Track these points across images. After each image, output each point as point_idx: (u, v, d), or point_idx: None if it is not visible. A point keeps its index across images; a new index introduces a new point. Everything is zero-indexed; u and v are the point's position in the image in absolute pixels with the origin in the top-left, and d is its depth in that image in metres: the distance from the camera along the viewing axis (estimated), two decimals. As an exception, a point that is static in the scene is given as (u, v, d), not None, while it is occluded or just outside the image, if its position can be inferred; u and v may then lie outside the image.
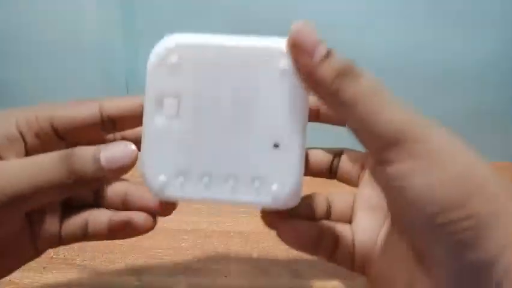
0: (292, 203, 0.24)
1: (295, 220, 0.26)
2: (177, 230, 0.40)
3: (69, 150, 0.23)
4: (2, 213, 0.23)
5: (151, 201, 0.26)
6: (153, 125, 0.24)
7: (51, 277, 0.35)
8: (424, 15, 0.56)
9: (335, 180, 0.30)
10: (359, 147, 0.29)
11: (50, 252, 0.36)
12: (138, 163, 0.23)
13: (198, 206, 0.44)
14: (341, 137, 0.30)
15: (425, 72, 0.55)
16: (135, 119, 0.25)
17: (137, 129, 0.27)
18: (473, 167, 0.20)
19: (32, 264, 0.32)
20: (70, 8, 0.59)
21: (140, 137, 0.24)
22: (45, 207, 0.26)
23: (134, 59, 0.60)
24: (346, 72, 0.20)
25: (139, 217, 0.26)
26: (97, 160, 0.22)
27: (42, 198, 0.23)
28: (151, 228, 0.27)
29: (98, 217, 0.27)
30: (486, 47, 0.57)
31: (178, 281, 0.35)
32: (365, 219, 0.27)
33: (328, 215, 0.28)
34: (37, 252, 0.27)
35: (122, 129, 0.27)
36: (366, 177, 0.28)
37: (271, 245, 0.39)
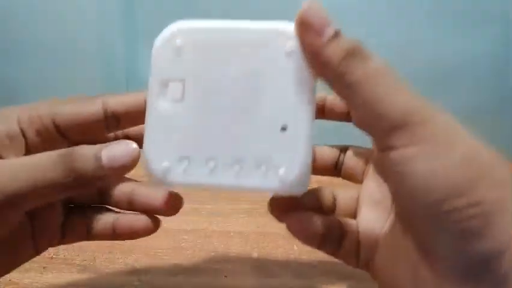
0: (301, 188, 0.23)
1: (305, 212, 0.26)
2: (177, 230, 0.40)
3: (70, 149, 0.22)
4: (0, 213, 0.22)
5: (157, 201, 0.26)
6: (157, 109, 0.23)
7: (51, 277, 0.35)
8: (423, 14, 0.56)
9: (340, 180, 0.29)
10: (364, 145, 0.29)
11: (50, 252, 0.36)
12: (140, 162, 0.23)
13: (198, 206, 0.44)
14: (344, 135, 0.30)
15: (424, 72, 0.54)
16: (139, 115, 0.25)
17: (141, 126, 0.26)
18: (477, 152, 0.19)
19: (32, 264, 0.32)
20: (69, 8, 0.59)
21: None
22: (48, 205, 0.26)
23: (134, 58, 0.60)
24: (354, 53, 0.20)
25: (142, 220, 0.26)
26: (98, 159, 0.22)
27: (42, 197, 0.23)
28: (154, 231, 0.27)
29: (102, 218, 0.27)
30: (485, 47, 0.57)
31: (178, 281, 0.35)
32: (369, 214, 0.26)
33: (333, 210, 0.28)
34: (37, 251, 0.27)
35: (126, 127, 0.27)
36: (371, 173, 0.27)
37: (271, 245, 0.39)
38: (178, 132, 0.23)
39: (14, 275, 0.34)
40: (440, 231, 0.19)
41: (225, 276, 0.35)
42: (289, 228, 0.25)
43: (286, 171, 0.22)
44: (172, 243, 0.39)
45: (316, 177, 0.27)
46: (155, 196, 0.26)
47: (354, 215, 0.27)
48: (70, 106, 0.26)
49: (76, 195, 0.28)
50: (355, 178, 0.29)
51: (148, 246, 0.38)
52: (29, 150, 0.25)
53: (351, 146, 0.29)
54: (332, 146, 0.29)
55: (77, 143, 0.25)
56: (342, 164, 0.29)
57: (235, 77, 0.23)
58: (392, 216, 0.25)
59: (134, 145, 0.23)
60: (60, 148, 0.23)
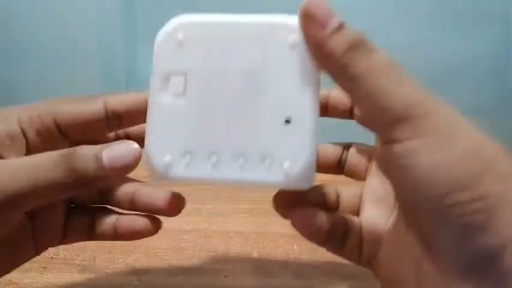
0: (306, 182, 0.23)
1: (310, 208, 0.26)
2: (177, 230, 0.40)
3: (70, 149, 0.22)
4: (1, 213, 0.22)
5: (160, 201, 0.26)
6: (159, 103, 0.23)
7: (51, 277, 0.35)
8: (423, 14, 0.56)
9: (343, 178, 0.29)
10: (367, 143, 0.29)
11: (50, 252, 0.36)
12: (142, 162, 0.23)
13: (198, 206, 0.44)
14: (347, 133, 0.30)
15: (423, 71, 0.54)
16: (141, 114, 0.25)
17: (142, 126, 0.26)
18: (481, 145, 0.19)
19: (32, 264, 0.32)
20: (69, 8, 0.59)
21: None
22: (49, 205, 0.26)
23: (135, 58, 0.60)
24: (358, 45, 0.20)
25: (144, 221, 0.26)
26: (98, 159, 0.22)
27: (43, 197, 0.23)
28: (155, 232, 0.26)
29: (104, 218, 0.27)
30: (485, 47, 0.57)
31: (178, 281, 0.35)
32: (372, 211, 0.26)
33: (337, 207, 0.27)
34: (37, 251, 0.27)
35: (128, 126, 0.27)
36: (374, 170, 0.27)
37: (271, 245, 0.39)
38: (180, 127, 0.23)
39: (14, 275, 0.34)
40: (443, 225, 0.19)
41: (225, 276, 0.35)
42: (294, 224, 0.25)
43: (291, 165, 0.22)
44: (172, 243, 0.39)
45: (319, 175, 0.26)
46: (158, 196, 0.26)
47: (357, 212, 0.27)
48: (70, 105, 0.26)
49: (77, 195, 0.28)
50: (358, 175, 0.29)
51: (148, 246, 0.38)
52: (29, 150, 0.25)
53: (354, 143, 0.29)
54: (335, 144, 0.29)
55: (78, 143, 0.25)
56: (345, 161, 0.29)
57: (238, 70, 0.23)
58: (395, 213, 0.25)
59: (136, 145, 0.22)
60: (61, 148, 0.23)
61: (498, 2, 0.55)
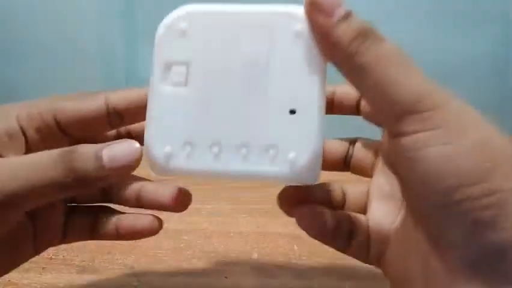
0: (311, 176, 0.22)
1: (315, 206, 0.25)
2: (177, 230, 0.40)
3: (70, 148, 0.22)
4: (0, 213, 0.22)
5: (166, 197, 0.26)
6: (160, 93, 0.23)
7: (50, 277, 0.35)
8: (423, 14, 0.56)
9: (349, 176, 0.29)
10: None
11: (50, 252, 0.36)
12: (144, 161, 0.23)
13: (198, 206, 0.44)
14: (351, 128, 0.30)
15: (424, 71, 0.54)
16: (143, 111, 0.24)
17: (144, 123, 0.26)
18: (491, 139, 0.19)
19: (31, 264, 0.32)
20: (69, 8, 0.59)
21: None
22: (49, 205, 0.25)
23: (134, 58, 0.60)
24: (366, 34, 0.19)
25: (145, 220, 0.26)
26: (98, 158, 0.21)
27: (42, 197, 0.22)
28: (157, 231, 0.26)
29: (105, 218, 0.26)
30: (485, 47, 0.57)
31: (178, 281, 0.35)
32: (379, 209, 0.26)
33: (343, 204, 0.27)
34: (36, 251, 0.26)
35: (130, 123, 0.27)
36: (380, 167, 0.27)
37: (271, 245, 0.39)
38: (181, 117, 0.22)
39: (13, 276, 0.34)
40: (452, 220, 0.19)
41: (225, 277, 0.35)
42: (299, 222, 0.25)
43: (297, 156, 0.21)
44: (172, 244, 0.39)
45: (324, 174, 0.26)
46: (164, 192, 0.26)
47: (363, 210, 0.27)
48: (71, 102, 0.25)
49: (78, 195, 0.28)
50: (364, 170, 0.28)
51: (147, 247, 0.38)
52: (29, 148, 0.25)
53: (360, 138, 0.28)
54: (341, 139, 0.29)
55: (78, 141, 0.25)
56: (351, 156, 0.28)
57: (242, 60, 0.22)
58: (403, 211, 0.25)
59: (137, 144, 0.22)
60: (62, 146, 0.23)
61: (498, 2, 0.55)
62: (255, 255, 0.38)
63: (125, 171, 0.22)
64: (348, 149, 0.28)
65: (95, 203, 0.28)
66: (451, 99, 0.19)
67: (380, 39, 0.19)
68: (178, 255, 0.38)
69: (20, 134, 0.25)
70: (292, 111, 0.22)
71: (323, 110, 0.22)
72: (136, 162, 0.22)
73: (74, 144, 0.23)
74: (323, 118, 0.22)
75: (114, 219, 0.26)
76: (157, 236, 0.27)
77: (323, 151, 0.22)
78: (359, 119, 0.28)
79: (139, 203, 0.27)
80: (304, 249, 0.38)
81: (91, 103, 0.25)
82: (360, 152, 0.28)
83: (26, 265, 0.27)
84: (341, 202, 0.27)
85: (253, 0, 0.23)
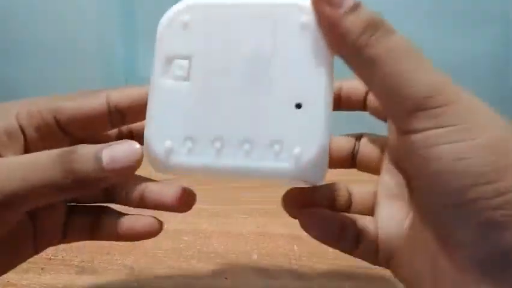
0: (317, 173, 0.21)
1: (319, 208, 0.25)
2: (177, 230, 0.40)
3: (69, 148, 0.22)
4: None
5: (170, 198, 0.25)
6: (161, 87, 0.22)
7: (49, 278, 0.35)
8: (423, 14, 0.56)
9: (354, 177, 0.29)
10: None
11: (49, 253, 0.36)
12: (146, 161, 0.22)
13: (198, 206, 0.44)
14: (356, 125, 0.29)
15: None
16: (145, 109, 0.24)
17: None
18: (506, 136, 0.18)
19: (31, 265, 0.32)
20: (69, 8, 0.59)
21: None
22: (50, 205, 0.25)
23: (134, 59, 0.60)
24: (376, 26, 0.19)
25: (145, 222, 0.26)
26: (98, 159, 0.21)
27: (40, 198, 0.22)
28: (157, 233, 0.26)
29: (105, 219, 0.26)
30: (485, 47, 0.57)
31: (177, 282, 0.35)
32: (388, 211, 0.25)
33: (349, 206, 0.27)
34: (36, 251, 0.26)
35: (131, 122, 0.26)
36: (387, 166, 0.26)
37: (271, 245, 0.39)
38: (182, 111, 0.22)
39: (12, 276, 0.34)
40: (463, 219, 0.18)
41: (225, 278, 0.35)
42: (303, 225, 0.25)
43: (302, 151, 0.21)
44: (172, 244, 0.39)
45: (329, 173, 0.25)
46: (168, 193, 0.25)
47: (371, 211, 0.26)
48: (71, 101, 0.25)
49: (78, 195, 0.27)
50: (371, 167, 0.27)
51: (147, 247, 0.38)
52: (28, 147, 0.25)
53: (366, 133, 0.28)
54: (347, 135, 0.28)
55: (80, 140, 0.25)
56: (357, 152, 0.27)
57: (246, 53, 0.22)
58: (411, 212, 0.24)
59: (137, 145, 0.22)
60: (62, 145, 0.22)
61: (498, 2, 0.55)
62: (254, 256, 0.38)
63: (126, 173, 0.22)
64: (355, 145, 0.27)
65: (96, 202, 0.27)
66: (463, 94, 0.19)
67: (391, 31, 0.19)
68: (177, 256, 0.38)
69: (19, 132, 0.24)
70: (298, 106, 0.21)
71: (331, 104, 0.21)
72: (136, 164, 0.22)
73: (75, 144, 0.22)
74: (330, 113, 0.21)
75: (114, 220, 0.26)
76: (156, 236, 0.27)
77: (329, 149, 0.22)
78: (362, 114, 0.27)
79: (143, 203, 0.26)
80: (304, 249, 0.38)
81: (92, 101, 0.25)
82: (366, 148, 0.27)
83: (25, 265, 0.26)
84: (347, 203, 0.27)
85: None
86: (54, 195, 0.22)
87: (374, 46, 0.19)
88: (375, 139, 0.27)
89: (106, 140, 0.27)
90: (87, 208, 0.27)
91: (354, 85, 0.27)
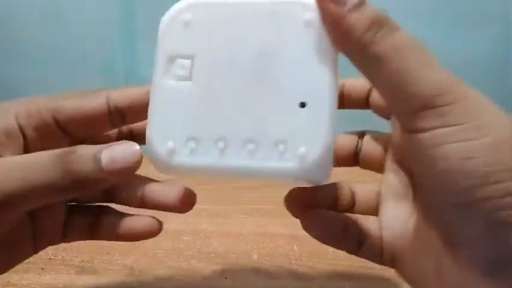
0: (322, 173, 0.21)
1: (321, 210, 0.25)
2: (177, 230, 0.40)
3: (68, 149, 0.21)
4: None
5: (171, 199, 0.25)
6: (163, 87, 0.22)
7: (49, 278, 0.35)
8: (424, 14, 0.56)
9: (357, 173, 0.28)
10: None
11: (49, 253, 0.36)
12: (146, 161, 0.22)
13: (198, 206, 0.44)
14: (358, 123, 0.29)
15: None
16: (145, 109, 0.24)
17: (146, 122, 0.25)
18: None
19: (31, 265, 0.32)
20: (69, 8, 0.59)
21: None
22: (50, 205, 0.25)
23: (134, 59, 0.60)
24: (381, 23, 0.18)
25: (145, 222, 0.25)
26: (97, 160, 0.21)
27: (38, 199, 0.22)
28: (157, 233, 0.26)
29: (105, 219, 0.26)
30: (485, 47, 0.57)
31: (177, 282, 0.35)
32: (392, 210, 0.25)
33: (352, 205, 0.26)
34: (35, 250, 0.26)
35: (132, 122, 0.26)
36: (390, 165, 0.26)
37: (271, 245, 0.39)
38: (185, 111, 0.22)
39: (12, 276, 0.34)
40: (469, 219, 0.18)
41: (225, 278, 0.35)
42: (305, 227, 0.25)
43: (307, 151, 0.20)
44: (171, 244, 0.39)
45: (333, 172, 0.25)
46: (170, 193, 0.25)
47: (374, 211, 0.26)
48: (71, 100, 0.24)
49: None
50: (374, 165, 0.27)
51: (147, 247, 0.38)
52: (27, 147, 0.24)
53: (368, 130, 0.28)
54: (349, 133, 0.28)
55: (79, 140, 0.24)
56: (360, 149, 0.27)
57: (249, 51, 0.21)
58: (417, 210, 0.24)
59: (137, 147, 0.22)
60: (62, 145, 0.22)
61: (498, 2, 0.55)
62: (254, 256, 0.38)
63: (125, 174, 0.22)
64: (357, 142, 0.27)
65: (97, 202, 0.27)
66: (471, 92, 0.19)
67: (396, 28, 0.19)
68: (177, 256, 0.38)
69: (18, 132, 0.24)
70: (303, 104, 0.21)
71: (335, 102, 0.21)
72: (136, 165, 0.22)
73: (74, 144, 0.22)
74: (335, 111, 0.21)
75: (114, 220, 0.26)
76: (156, 236, 0.27)
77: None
78: (363, 113, 0.27)
79: (143, 203, 0.26)
80: (304, 249, 0.38)
81: (92, 101, 0.25)
82: (369, 146, 0.27)
83: (25, 266, 0.26)
84: (350, 203, 0.26)
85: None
86: (53, 196, 0.22)
87: (379, 43, 0.18)
88: (378, 136, 0.27)
89: (106, 140, 0.27)
90: (87, 208, 0.27)
91: (356, 83, 0.27)
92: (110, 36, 0.60)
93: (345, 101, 0.27)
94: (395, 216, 0.25)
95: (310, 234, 0.25)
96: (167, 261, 0.37)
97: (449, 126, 0.18)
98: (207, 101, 0.22)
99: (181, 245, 0.39)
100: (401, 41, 0.19)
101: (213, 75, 0.22)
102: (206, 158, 0.21)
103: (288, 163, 0.21)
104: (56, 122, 0.24)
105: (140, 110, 0.24)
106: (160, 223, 0.26)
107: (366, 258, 0.25)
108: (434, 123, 0.18)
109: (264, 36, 0.21)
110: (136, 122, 0.26)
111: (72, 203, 0.27)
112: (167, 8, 0.23)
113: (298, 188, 0.26)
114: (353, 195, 0.27)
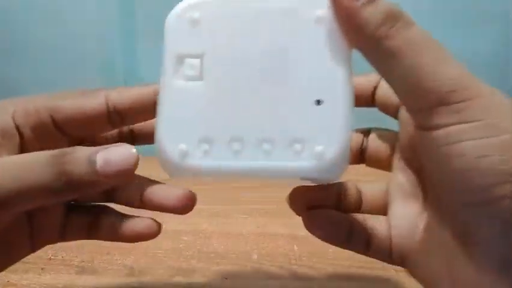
0: (337, 171, 0.21)
1: (324, 209, 0.25)
2: (177, 230, 0.40)
3: (63, 150, 0.21)
4: None
5: (170, 199, 0.25)
6: (173, 88, 0.21)
7: (49, 278, 0.35)
8: (424, 14, 0.56)
9: (363, 172, 0.28)
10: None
11: (49, 253, 0.36)
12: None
13: (198, 206, 0.44)
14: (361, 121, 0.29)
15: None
16: (145, 110, 0.24)
17: (148, 122, 0.25)
18: None
19: (31, 265, 0.32)
20: (69, 8, 0.59)
21: (151, 131, 0.22)
22: (48, 206, 0.25)
23: (133, 59, 0.60)
24: (396, 17, 0.18)
25: (144, 224, 0.25)
26: (92, 162, 0.20)
27: (33, 200, 0.21)
28: (155, 235, 0.25)
29: (104, 220, 0.26)
30: (486, 47, 0.57)
31: (177, 282, 0.35)
32: (401, 210, 0.25)
33: (359, 205, 0.26)
34: (33, 250, 0.26)
35: (131, 123, 0.26)
36: (398, 163, 0.26)
37: (271, 245, 0.39)
38: (196, 112, 0.21)
39: (12, 276, 0.34)
40: (486, 218, 0.18)
41: (226, 278, 0.35)
42: (307, 226, 0.25)
43: (325, 149, 0.20)
44: (171, 244, 0.39)
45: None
46: (170, 194, 0.25)
47: (382, 211, 0.26)
48: (69, 100, 0.24)
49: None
50: (380, 162, 0.27)
51: (147, 247, 0.38)
52: (25, 146, 0.24)
53: (373, 128, 0.27)
54: (356, 131, 0.27)
55: (78, 140, 0.24)
56: (365, 147, 0.27)
57: (261, 49, 0.21)
58: (426, 212, 0.23)
59: (133, 149, 0.21)
60: (60, 146, 0.22)
61: (498, 2, 0.55)
62: (254, 256, 0.38)
63: (120, 178, 0.21)
64: (363, 140, 0.27)
65: (96, 202, 0.27)
66: (487, 89, 0.18)
67: (411, 23, 0.18)
68: (177, 256, 0.38)
69: (15, 131, 0.24)
70: (318, 102, 0.21)
71: (351, 99, 0.21)
72: (131, 169, 0.21)
73: (73, 145, 0.22)
74: (351, 108, 0.21)
75: (113, 221, 0.26)
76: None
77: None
78: (369, 110, 0.27)
79: (143, 204, 0.26)
80: (304, 249, 0.38)
81: (91, 101, 0.24)
82: (375, 143, 0.27)
83: (25, 266, 0.26)
84: (356, 202, 0.26)
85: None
86: (49, 198, 0.21)
87: (394, 37, 0.18)
88: (384, 134, 0.27)
89: (106, 140, 0.27)
90: (86, 207, 0.27)
91: (361, 81, 0.26)
92: (110, 36, 0.60)
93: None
94: (403, 215, 0.24)
95: (314, 233, 0.25)
96: (167, 261, 0.37)
97: (465, 123, 0.18)
98: (219, 101, 0.21)
99: (181, 245, 0.39)
100: (416, 35, 0.18)
101: (224, 75, 0.21)
102: (220, 160, 0.21)
103: (304, 162, 0.20)
104: (54, 121, 0.24)
105: (140, 111, 0.24)
106: (159, 225, 0.26)
107: (375, 258, 0.25)
108: (450, 120, 0.18)
109: (275, 33, 0.21)
110: (136, 123, 0.26)
111: (71, 203, 0.27)
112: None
113: (303, 186, 0.26)
114: (359, 194, 0.26)
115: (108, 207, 0.27)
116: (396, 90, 0.20)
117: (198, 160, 0.21)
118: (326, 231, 0.25)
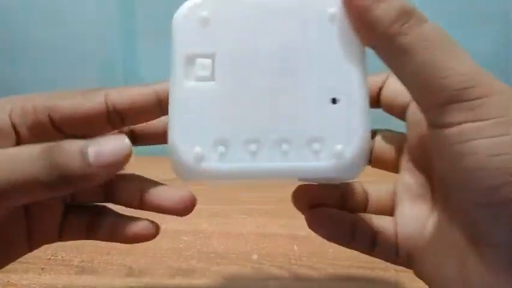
0: (355, 171, 0.21)
1: (327, 208, 0.25)
2: (177, 230, 0.40)
3: (54, 143, 0.20)
4: None
5: (169, 200, 0.25)
6: (183, 89, 0.21)
7: (49, 278, 0.35)
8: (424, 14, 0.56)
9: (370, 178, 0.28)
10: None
11: (48, 253, 0.36)
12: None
13: (198, 206, 0.44)
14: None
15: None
16: (146, 111, 0.23)
17: (149, 122, 0.25)
18: None
19: (30, 265, 0.32)
20: (69, 8, 0.59)
21: (152, 132, 0.22)
22: (46, 204, 0.24)
23: (133, 59, 0.60)
24: (409, 14, 0.18)
25: (142, 226, 0.25)
26: (84, 155, 0.20)
27: (25, 194, 0.20)
28: (153, 237, 0.25)
29: (102, 220, 0.26)
30: (485, 46, 0.56)
31: (177, 283, 0.35)
32: (409, 211, 0.24)
33: (365, 205, 0.26)
34: (30, 249, 0.25)
35: (131, 123, 0.25)
36: (405, 164, 0.25)
37: (271, 245, 0.39)
38: (210, 114, 0.21)
39: (12, 276, 0.34)
40: (499, 219, 0.18)
41: (226, 278, 0.35)
42: (309, 224, 0.24)
43: (344, 148, 0.20)
44: (171, 244, 0.39)
45: None
46: (169, 196, 0.25)
47: (388, 211, 0.26)
48: (68, 99, 0.24)
49: (77, 193, 0.27)
50: (386, 164, 0.27)
51: (146, 248, 0.38)
52: (20, 145, 0.23)
53: (379, 129, 0.27)
54: None
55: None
56: (372, 149, 0.27)
57: (273, 48, 0.21)
58: (435, 213, 0.23)
59: (126, 140, 0.21)
60: None
61: (498, 2, 0.55)
62: (254, 256, 0.38)
63: (113, 170, 0.21)
64: None
65: (95, 202, 0.27)
66: (501, 86, 0.18)
67: (424, 20, 0.18)
68: (177, 256, 0.38)
69: (11, 130, 0.23)
70: (334, 101, 0.20)
71: (368, 97, 0.20)
72: (124, 160, 0.21)
73: None
74: (368, 106, 0.20)
75: (111, 222, 0.25)
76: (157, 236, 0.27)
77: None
78: (374, 111, 0.27)
79: (143, 205, 0.25)
80: (304, 249, 0.38)
81: (90, 101, 0.24)
82: (381, 145, 0.27)
83: (24, 266, 0.26)
84: (363, 203, 0.26)
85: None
86: (42, 192, 0.21)
87: (407, 34, 0.18)
88: (390, 135, 0.27)
89: None
90: (85, 207, 0.27)
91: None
92: (110, 36, 0.60)
93: None
94: (411, 216, 0.24)
95: (316, 232, 0.25)
96: (167, 261, 0.37)
97: (478, 121, 0.17)
98: (232, 102, 0.21)
99: (181, 245, 0.39)
100: (429, 32, 0.18)
101: (237, 74, 0.21)
102: (237, 162, 0.21)
103: (323, 162, 0.20)
104: (52, 121, 0.24)
105: (140, 111, 0.24)
106: (157, 226, 0.25)
107: (380, 258, 0.25)
108: (462, 118, 0.18)
109: (288, 31, 0.21)
110: (136, 124, 0.26)
111: (71, 203, 0.27)
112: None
113: (307, 184, 0.25)
114: (366, 195, 0.26)
115: (106, 207, 0.27)
116: (409, 88, 0.19)
117: (214, 163, 0.21)
118: (328, 229, 0.25)
